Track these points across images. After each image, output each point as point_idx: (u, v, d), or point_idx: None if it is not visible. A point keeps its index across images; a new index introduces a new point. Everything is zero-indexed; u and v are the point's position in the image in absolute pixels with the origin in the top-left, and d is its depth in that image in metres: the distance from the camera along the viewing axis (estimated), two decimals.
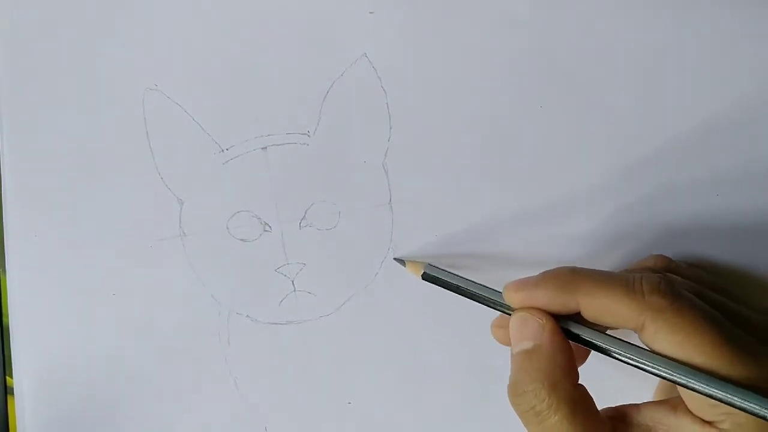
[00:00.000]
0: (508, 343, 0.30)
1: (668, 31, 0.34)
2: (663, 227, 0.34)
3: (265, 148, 0.35)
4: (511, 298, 0.29)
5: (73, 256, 0.35)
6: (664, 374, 0.27)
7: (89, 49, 0.35)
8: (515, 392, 0.28)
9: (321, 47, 0.35)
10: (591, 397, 0.28)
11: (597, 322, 0.28)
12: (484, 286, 0.31)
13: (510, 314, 0.30)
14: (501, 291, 0.30)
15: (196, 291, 0.35)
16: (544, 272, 0.29)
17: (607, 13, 0.34)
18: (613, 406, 0.30)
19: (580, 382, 0.28)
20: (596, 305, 0.28)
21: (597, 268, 0.29)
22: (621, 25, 0.34)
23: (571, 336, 0.29)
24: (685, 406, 0.28)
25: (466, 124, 0.35)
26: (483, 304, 0.31)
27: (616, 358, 0.28)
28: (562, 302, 0.28)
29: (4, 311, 0.36)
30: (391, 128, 0.35)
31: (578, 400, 0.27)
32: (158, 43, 0.35)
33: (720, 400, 0.26)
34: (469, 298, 0.31)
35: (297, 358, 0.35)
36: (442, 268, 0.32)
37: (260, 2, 0.35)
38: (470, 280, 0.31)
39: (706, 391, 0.26)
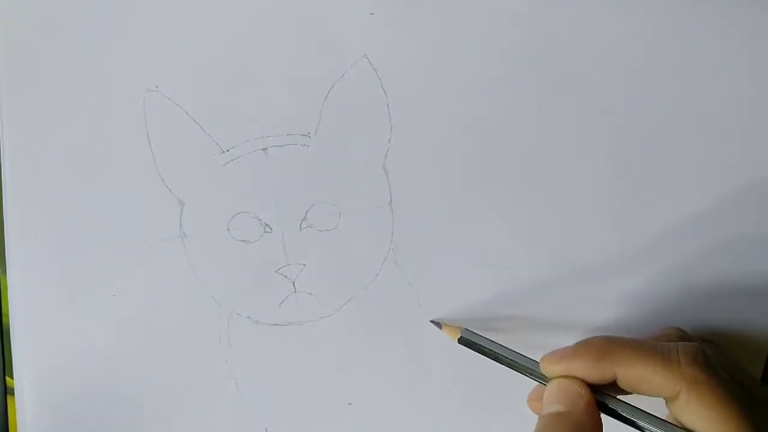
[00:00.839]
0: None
1: (668, 32, 0.34)
2: (663, 225, 0.34)
3: (266, 149, 0.35)
4: (549, 370, 0.30)
5: (73, 256, 0.35)
6: None
7: (89, 49, 0.35)
8: None
9: (321, 48, 0.35)
10: None
11: (631, 391, 0.29)
12: (521, 354, 0.31)
13: (545, 384, 0.30)
14: (537, 361, 0.30)
15: (197, 292, 0.35)
16: (579, 343, 0.30)
17: (607, 13, 0.34)
18: None
19: None
20: (633, 375, 0.28)
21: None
22: (621, 25, 0.34)
23: (604, 408, 0.29)
24: None
25: (466, 125, 0.35)
26: (519, 372, 0.31)
27: (639, 429, 0.29)
28: (599, 373, 0.29)
29: (4, 311, 0.36)
30: (391, 129, 0.35)
31: None
32: (158, 45, 0.35)
33: None
34: (505, 365, 0.32)
35: (297, 359, 0.35)
36: (479, 333, 0.33)
37: (260, 3, 0.35)
38: (507, 348, 0.32)
39: None
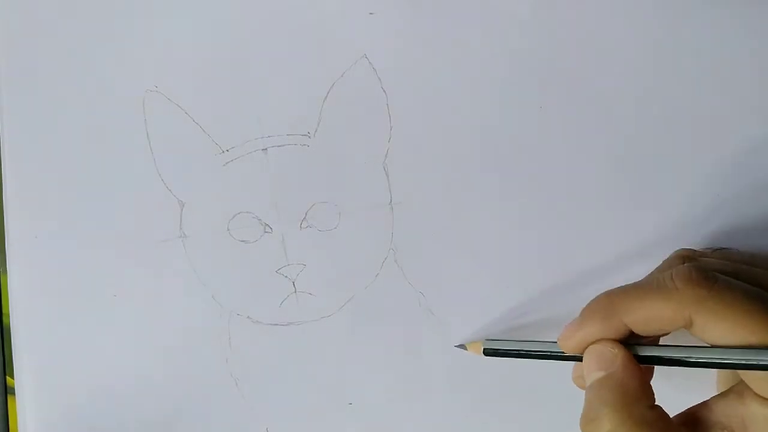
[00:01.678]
0: None
1: (668, 31, 0.34)
2: (664, 225, 0.34)
3: (266, 149, 0.35)
4: (567, 347, 0.29)
5: (73, 257, 0.35)
6: (728, 363, 0.26)
7: (90, 50, 0.35)
8: (587, 419, 0.27)
9: (321, 48, 0.35)
10: (668, 417, 0.27)
11: (650, 334, 0.28)
12: (545, 342, 0.31)
13: (579, 360, 0.30)
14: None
15: (197, 292, 0.35)
16: (583, 309, 0.29)
17: (607, 13, 0.34)
18: (682, 411, 0.29)
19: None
20: (640, 318, 0.27)
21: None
22: (621, 25, 0.34)
23: (645, 360, 0.28)
24: (751, 390, 0.27)
25: (466, 124, 0.35)
26: (549, 360, 0.31)
27: (681, 364, 0.28)
28: (611, 329, 0.28)
29: (4, 311, 0.36)
30: (391, 129, 0.35)
31: (655, 421, 0.27)
32: (158, 45, 0.35)
33: None
34: (533, 359, 0.31)
35: (298, 359, 0.35)
36: (500, 338, 0.33)
37: (260, 3, 0.35)
38: (529, 341, 0.32)
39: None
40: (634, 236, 0.34)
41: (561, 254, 0.35)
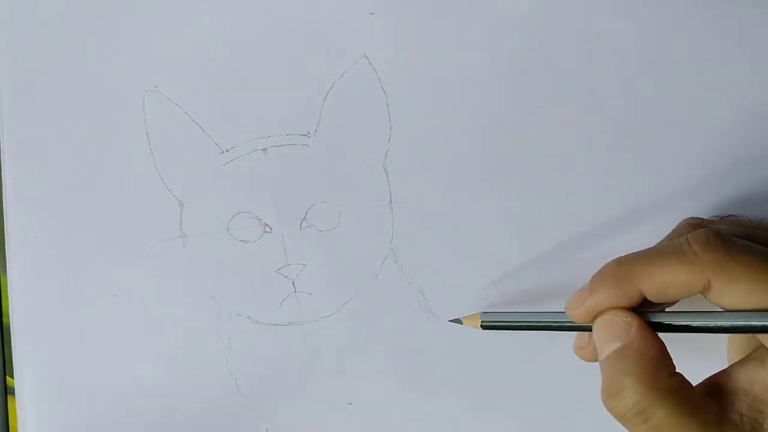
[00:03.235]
0: (594, 359, 0.29)
1: (669, 32, 0.34)
2: (666, 225, 0.34)
3: (266, 149, 0.35)
4: (576, 315, 0.28)
5: (73, 257, 0.35)
6: (746, 326, 0.26)
7: (89, 50, 0.35)
8: (610, 393, 0.26)
9: (321, 48, 0.35)
10: (690, 384, 0.27)
11: (664, 300, 0.27)
12: (546, 312, 0.30)
13: (588, 330, 0.29)
14: (563, 311, 0.29)
15: (197, 292, 0.35)
16: (593, 276, 0.28)
17: (607, 13, 0.34)
18: (703, 381, 0.28)
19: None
20: (657, 284, 0.27)
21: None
22: (621, 25, 0.34)
23: (658, 326, 0.28)
24: None
25: (466, 124, 0.35)
26: (552, 330, 0.30)
27: (698, 330, 0.27)
28: (624, 297, 0.27)
29: (4, 311, 0.36)
30: (391, 129, 0.35)
31: (680, 389, 0.26)
32: (158, 45, 0.35)
33: None
34: (535, 330, 0.31)
35: (298, 359, 0.35)
36: (498, 311, 0.32)
37: (260, 3, 0.35)
38: (529, 312, 0.31)
39: None
40: (635, 234, 0.34)
41: (562, 254, 0.35)
